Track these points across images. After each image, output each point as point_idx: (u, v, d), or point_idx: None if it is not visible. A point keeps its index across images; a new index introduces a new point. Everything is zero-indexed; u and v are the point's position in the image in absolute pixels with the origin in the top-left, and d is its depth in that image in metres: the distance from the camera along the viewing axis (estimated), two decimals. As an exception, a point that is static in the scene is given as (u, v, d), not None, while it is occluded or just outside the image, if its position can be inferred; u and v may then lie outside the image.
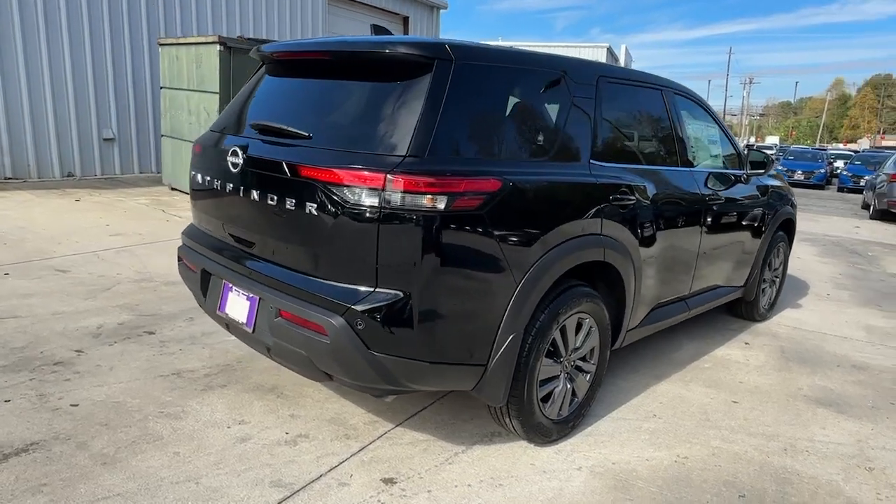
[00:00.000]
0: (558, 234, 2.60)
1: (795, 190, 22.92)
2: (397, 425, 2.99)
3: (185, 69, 8.46)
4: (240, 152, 2.55)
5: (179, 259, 3.17)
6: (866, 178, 17.14)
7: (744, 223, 4.28)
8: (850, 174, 21.10)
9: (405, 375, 2.34)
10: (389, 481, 2.54)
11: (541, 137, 2.71)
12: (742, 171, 4.30)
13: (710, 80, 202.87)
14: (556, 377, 2.84)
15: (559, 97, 2.81)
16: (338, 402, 3.19)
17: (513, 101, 2.62)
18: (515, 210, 2.44)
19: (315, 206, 2.28)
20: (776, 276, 5.21)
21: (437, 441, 2.88)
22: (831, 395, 3.73)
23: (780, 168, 22.59)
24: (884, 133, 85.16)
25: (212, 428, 2.85)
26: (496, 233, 2.36)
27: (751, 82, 72.07)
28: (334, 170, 2.23)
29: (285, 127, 2.45)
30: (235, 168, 2.58)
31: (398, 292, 2.23)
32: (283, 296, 2.43)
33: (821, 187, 22.49)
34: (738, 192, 4.19)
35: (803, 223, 10.18)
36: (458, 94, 2.36)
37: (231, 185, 2.63)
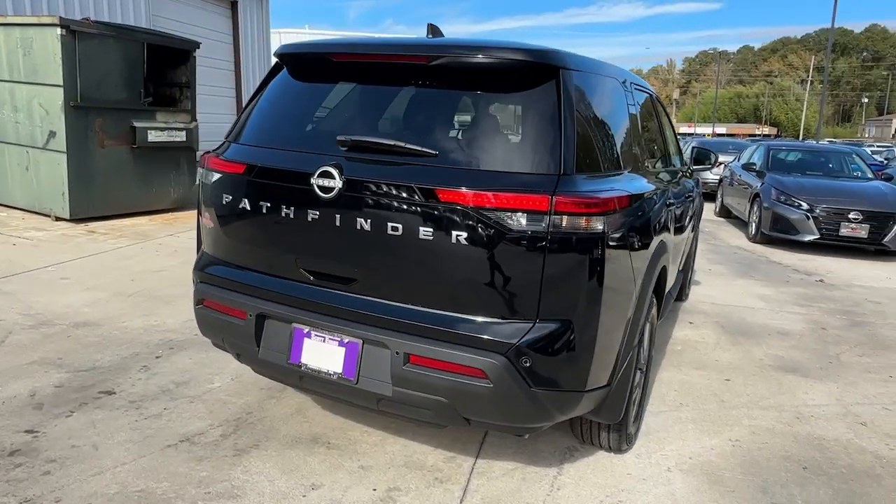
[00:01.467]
0: (653, 244, 2.61)
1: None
2: (476, 457, 2.79)
3: (3, 55, 6.86)
4: (335, 174, 2.14)
5: (201, 303, 2.58)
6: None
7: (694, 213, 4.70)
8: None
9: (560, 408, 2.19)
10: (519, 522, 2.36)
11: (624, 146, 2.68)
12: (687, 166, 4.70)
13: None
14: (636, 384, 2.87)
15: (622, 104, 2.80)
16: (395, 441, 2.87)
17: (606, 110, 2.55)
18: (635, 224, 2.39)
19: (464, 234, 2.01)
20: (692, 259, 5.80)
21: (527, 467, 2.74)
22: (785, 361, 4.27)
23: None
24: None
25: (287, 501, 2.39)
26: (628, 249, 2.30)
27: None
28: (489, 193, 1.98)
29: (404, 144, 2.11)
30: (328, 192, 2.16)
31: (560, 322, 2.07)
32: (412, 338, 2.11)
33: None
34: (691, 185, 4.58)
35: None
36: (580, 106, 2.24)
37: (317, 213, 2.20)
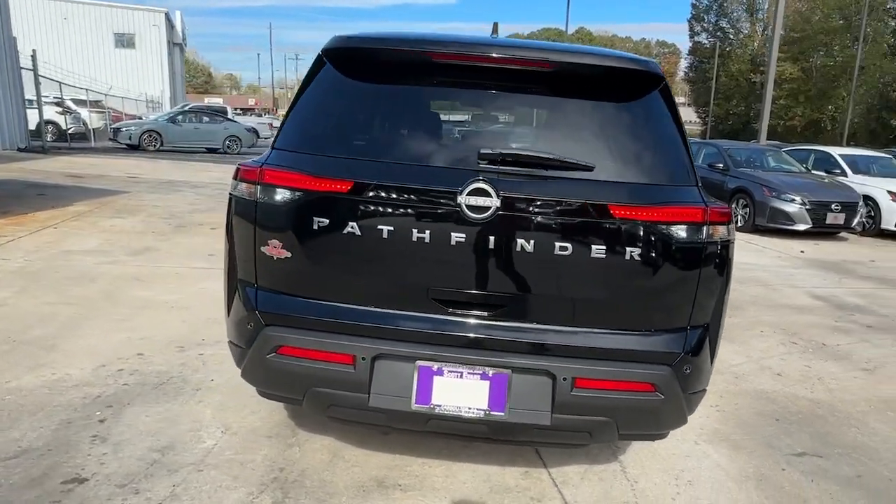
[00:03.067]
0: None
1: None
2: (546, 467, 2.76)
3: None
4: (491, 191, 1.92)
5: (274, 351, 2.10)
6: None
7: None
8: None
9: (695, 408, 2.28)
10: (635, 522, 2.43)
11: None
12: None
13: (258, 54, 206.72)
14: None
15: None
16: (461, 468, 2.70)
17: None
18: None
19: (633, 249, 1.98)
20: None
21: (594, 466, 2.80)
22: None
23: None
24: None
25: (417, 561, 2.11)
26: None
27: (297, 58, 76.86)
28: (657, 207, 1.98)
29: (562, 158, 1.96)
30: (480, 213, 1.93)
31: (703, 327, 2.16)
32: (578, 361, 2.02)
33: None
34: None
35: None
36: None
37: (463, 236, 1.95)
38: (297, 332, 2.10)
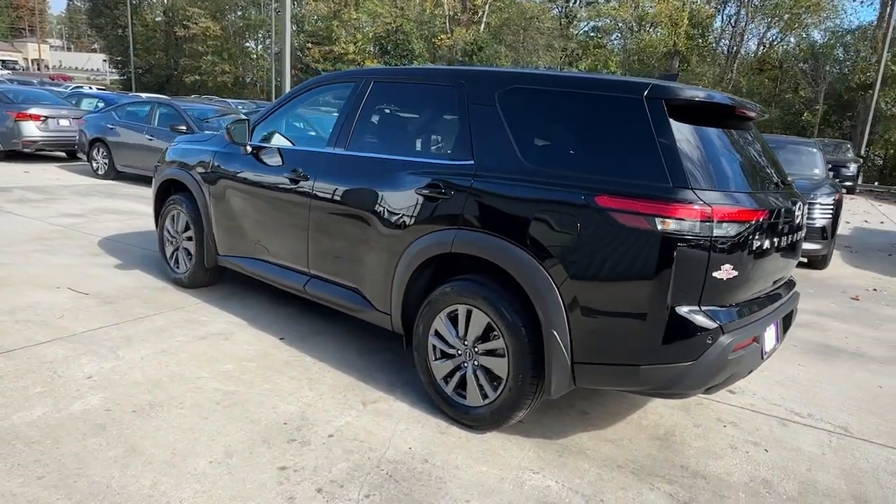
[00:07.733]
0: None
1: None
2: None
3: None
4: (798, 206, 3.02)
5: (733, 349, 2.63)
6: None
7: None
8: None
9: None
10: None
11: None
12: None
13: None
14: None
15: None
16: (641, 413, 3.57)
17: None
18: None
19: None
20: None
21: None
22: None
23: None
24: None
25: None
26: None
27: None
28: (805, 201, 3.48)
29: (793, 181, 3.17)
30: (797, 220, 2.99)
31: None
32: (793, 298, 3.37)
33: None
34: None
35: None
36: None
37: (790, 238, 2.99)
38: (739, 330, 2.69)
